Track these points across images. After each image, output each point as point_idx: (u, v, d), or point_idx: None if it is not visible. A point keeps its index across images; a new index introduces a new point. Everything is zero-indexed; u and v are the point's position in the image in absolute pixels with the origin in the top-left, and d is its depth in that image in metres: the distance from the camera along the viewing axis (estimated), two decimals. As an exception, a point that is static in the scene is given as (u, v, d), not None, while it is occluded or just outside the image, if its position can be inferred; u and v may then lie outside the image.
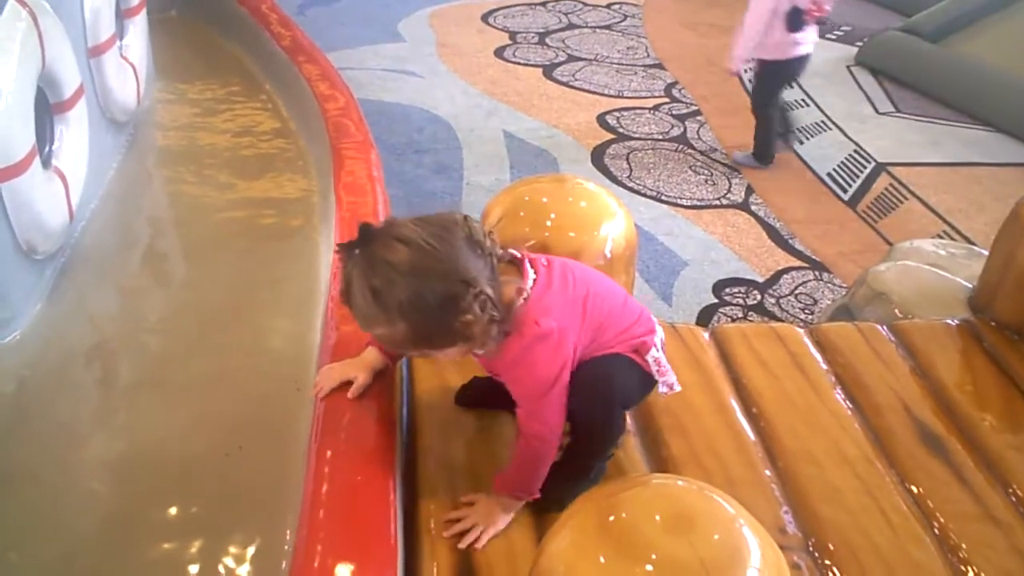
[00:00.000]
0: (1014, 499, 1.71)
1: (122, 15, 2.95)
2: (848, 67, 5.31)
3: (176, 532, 1.72)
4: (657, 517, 1.17)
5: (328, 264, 2.19)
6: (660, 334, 1.63)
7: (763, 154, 4.12)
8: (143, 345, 2.25)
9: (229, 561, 1.66)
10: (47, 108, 2.43)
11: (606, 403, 1.56)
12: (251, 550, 1.68)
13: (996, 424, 1.89)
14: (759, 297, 3.18)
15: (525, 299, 1.44)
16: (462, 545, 1.49)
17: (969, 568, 1.55)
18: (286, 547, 1.61)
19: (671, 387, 1.63)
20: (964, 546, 1.59)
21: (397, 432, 1.67)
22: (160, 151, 3.06)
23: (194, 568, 1.65)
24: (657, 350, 1.60)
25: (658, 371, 1.60)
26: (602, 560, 1.15)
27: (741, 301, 3.16)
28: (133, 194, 2.78)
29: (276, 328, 2.24)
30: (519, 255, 1.50)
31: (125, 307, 2.40)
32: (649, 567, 1.12)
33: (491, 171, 3.96)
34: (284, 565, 1.59)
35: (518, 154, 4.13)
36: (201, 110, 3.23)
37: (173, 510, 1.77)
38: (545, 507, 1.57)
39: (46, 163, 2.34)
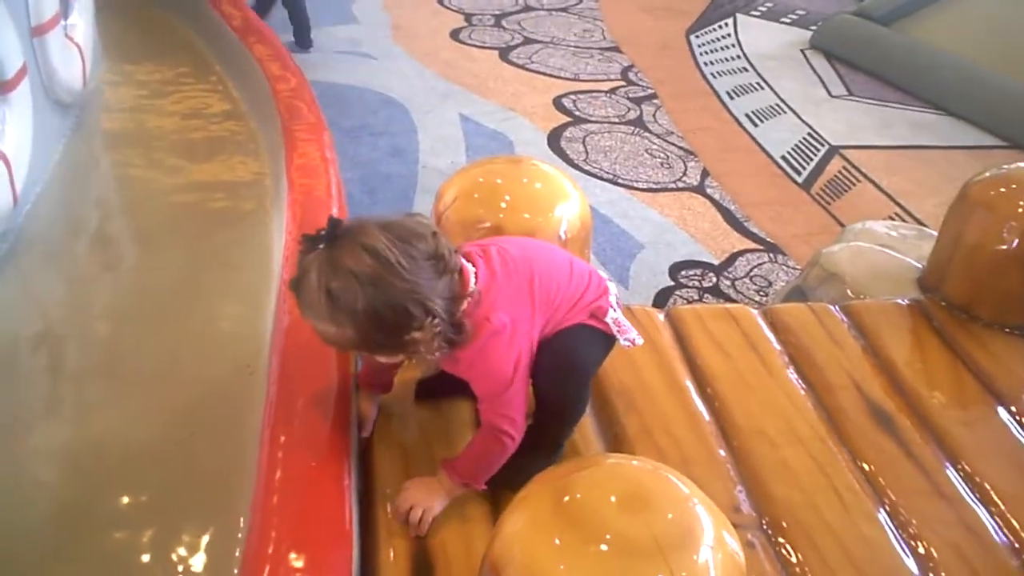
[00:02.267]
0: (962, 475, 1.74)
1: (69, -8, 2.88)
2: (802, 50, 5.36)
3: (127, 522, 1.69)
4: (612, 497, 1.18)
5: (280, 248, 2.16)
6: (613, 291, 1.63)
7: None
8: (92, 332, 2.19)
9: (182, 550, 1.63)
10: (-12, 90, 2.37)
11: (573, 376, 1.58)
12: (205, 538, 1.66)
13: (945, 401, 1.92)
14: (715, 279, 3.20)
15: (471, 297, 1.44)
16: (413, 532, 1.49)
17: (919, 543, 1.58)
18: (239, 535, 1.59)
19: (633, 342, 1.63)
20: (914, 521, 1.62)
21: (352, 419, 1.65)
22: (107, 134, 2.99)
23: (146, 557, 1.62)
24: (615, 310, 1.60)
25: (619, 330, 1.60)
26: (557, 541, 1.15)
27: (697, 283, 3.18)
28: (80, 178, 2.71)
29: (228, 313, 2.20)
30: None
31: (72, 293, 2.34)
32: (604, 547, 1.12)
33: (447, 154, 3.93)
34: (238, 552, 1.56)
35: (474, 137, 4.11)
36: (149, 92, 3.16)
37: (124, 499, 1.74)
38: (503, 485, 1.57)
39: (-13, 147, 2.28)
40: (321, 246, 1.36)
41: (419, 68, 4.81)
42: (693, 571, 1.11)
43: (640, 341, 1.64)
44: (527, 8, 5.84)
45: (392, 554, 1.47)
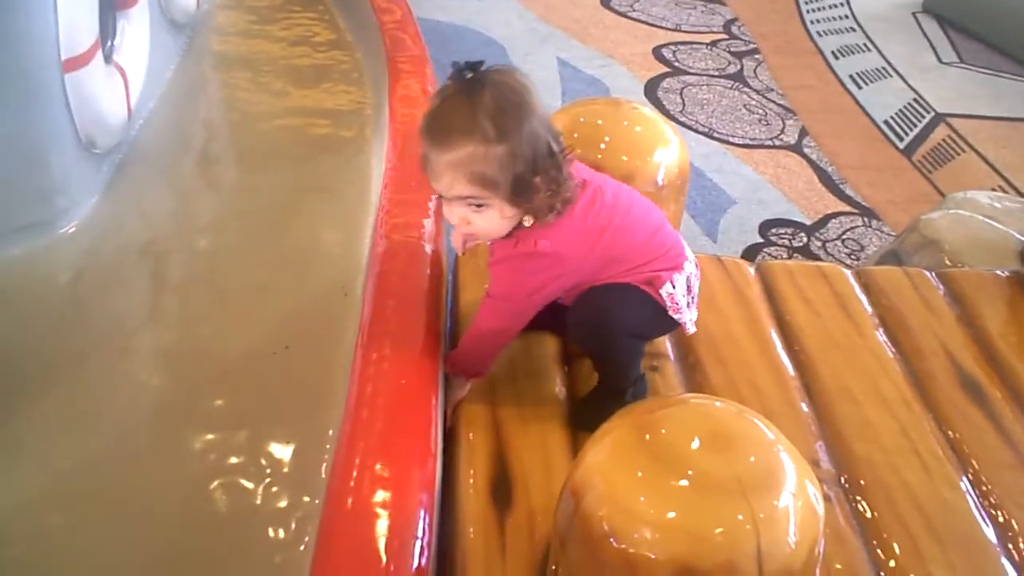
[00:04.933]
0: (1050, 450, 1.71)
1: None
2: (914, 13, 5.16)
3: (221, 424, 1.77)
4: (696, 434, 1.19)
5: (379, 175, 2.21)
6: (688, 271, 1.63)
7: None
8: (195, 245, 2.28)
9: (273, 453, 1.71)
10: (110, 4, 2.44)
11: (600, 333, 1.59)
12: (294, 445, 1.73)
13: (1038, 376, 1.88)
14: (805, 240, 3.16)
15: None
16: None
17: (1000, 512, 1.56)
18: (328, 445, 1.65)
19: (684, 326, 1.65)
20: (997, 492, 1.60)
21: (441, 340, 1.70)
22: (217, 56, 3.06)
23: (236, 459, 1.70)
24: (672, 287, 1.59)
25: (672, 307, 1.60)
26: (639, 474, 1.17)
27: (787, 243, 3.14)
28: (190, 97, 2.79)
29: (325, 235, 2.26)
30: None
31: (178, 207, 2.43)
32: (685, 482, 1.14)
33: (542, 97, 3.90)
34: (326, 462, 1.63)
35: (570, 82, 4.09)
36: (258, 17, 3.22)
37: (219, 402, 1.82)
38: (579, 425, 1.60)
39: (108, 58, 2.36)
40: (471, 75, 1.41)
41: (520, 10, 4.78)
42: (772, 514, 1.13)
43: (692, 330, 1.66)
44: (633, -45, 5.73)
45: (472, 476, 1.52)
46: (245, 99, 2.80)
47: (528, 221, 1.47)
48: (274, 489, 1.64)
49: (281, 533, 1.57)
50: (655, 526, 1.12)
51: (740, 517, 1.11)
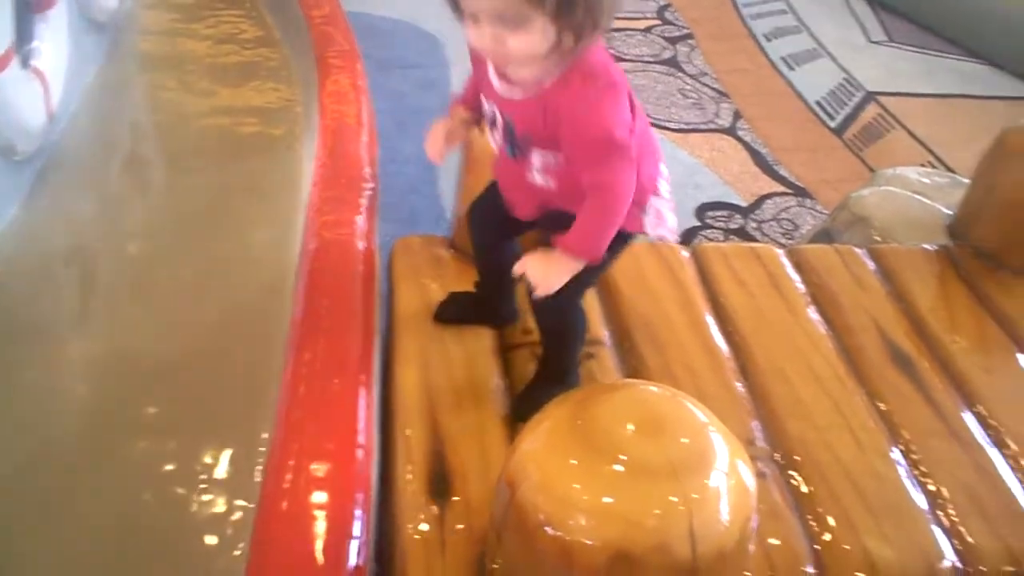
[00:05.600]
0: (978, 418, 1.74)
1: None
2: (843, -7, 5.24)
3: (154, 431, 1.74)
4: (628, 420, 1.19)
5: (309, 173, 2.18)
6: (665, 172, 1.54)
7: None
8: (123, 250, 2.24)
9: (206, 459, 1.68)
10: (27, 7, 2.38)
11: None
12: (226, 451, 1.71)
13: (966, 347, 1.92)
14: (742, 221, 3.19)
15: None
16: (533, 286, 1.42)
17: (929, 480, 1.59)
18: (261, 449, 1.63)
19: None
20: (927, 461, 1.63)
21: (376, 341, 1.68)
22: (141, 56, 3.00)
23: (170, 466, 1.67)
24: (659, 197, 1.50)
25: (657, 223, 1.51)
26: (573, 461, 1.17)
27: (723, 225, 3.17)
28: (114, 98, 2.74)
29: (257, 236, 2.23)
30: None
31: (104, 212, 2.38)
32: (619, 467, 1.14)
33: (479, 89, 3.90)
34: (259, 468, 1.61)
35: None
36: (182, 16, 3.17)
37: (151, 410, 1.79)
38: (519, 416, 1.60)
39: (25, 62, 2.30)
40: None
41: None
42: (704, 494, 1.13)
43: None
44: (564, -57, 5.74)
45: (410, 472, 1.51)
46: (171, 99, 2.75)
47: (569, 42, 1.29)
48: (208, 495, 1.62)
49: (216, 539, 1.55)
50: (589, 512, 1.12)
51: (673, 499, 1.12)
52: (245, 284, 2.06)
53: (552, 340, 1.64)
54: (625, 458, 1.15)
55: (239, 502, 1.60)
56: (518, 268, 1.43)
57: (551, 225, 1.48)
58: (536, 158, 1.43)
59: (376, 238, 1.90)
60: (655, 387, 1.32)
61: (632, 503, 1.12)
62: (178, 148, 2.57)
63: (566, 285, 1.47)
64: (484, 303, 1.82)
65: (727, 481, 1.16)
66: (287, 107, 2.70)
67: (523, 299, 1.72)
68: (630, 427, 1.19)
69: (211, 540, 1.56)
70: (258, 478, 1.54)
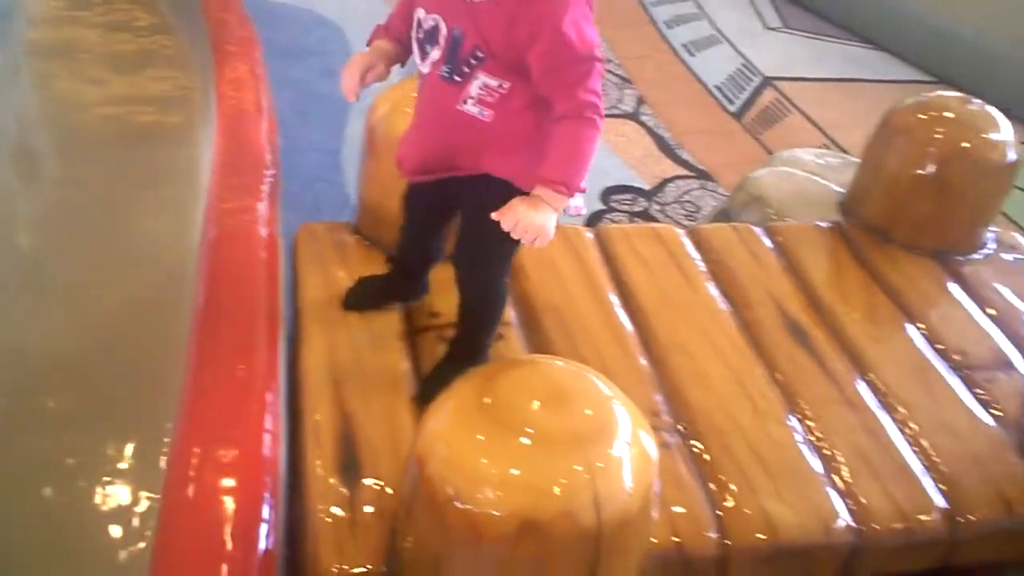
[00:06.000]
0: (870, 385, 1.83)
1: None
2: (740, -19, 5.36)
3: (53, 425, 1.69)
4: (533, 393, 1.22)
5: (209, 160, 2.14)
6: None
7: None
8: (16, 243, 2.16)
9: (108, 451, 1.64)
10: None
11: (499, 249, 1.50)
12: (130, 444, 1.67)
13: (858, 318, 2.00)
14: (645, 204, 3.25)
15: None
16: (528, 240, 1.33)
17: (824, 445, 1.66)
18: (166, 439, 1.60)
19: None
20: (821, 427, 1.70)
21: (280, 327, 1.66)
22: (31, 45, 2.89)
23: (71, 460, 1.63)
24: None
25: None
26: (480, 436, 1.19)
27: (628, 208, 3.22)
28: (3, 88, 2.63)
29: (155, 226, 2.18)
30: None
31: (-6, 205, 2.30)
32: (525, 439, 1.17)
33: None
34: (163, 458, 1.58)
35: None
36: (72, 3, 3.06)
37: (50, 404, 1.74)
38: (427, 397, 1.60)
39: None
40: None
41: (354, -12, 4.71)
42: (608, 463, 1.17)
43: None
44: (466, -69, 5.74)
45: (319, 454, 1.51)
46: (64, 88, 2.66)
47: None
48: (112, 488, 1.59)
49: (121, 531, 1.52)
50: (496, 484, 1.15)
51: (577, 468, 1.15)
52: (143, 274, 2.01)
53: (472, 318, 1.65)
54: (531, 431, 1.18)
55: (144, 493, 1.57)
56: (505, 221, 1.32)
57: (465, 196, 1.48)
58: (476, 83, 1.35)
59: (279, 225, 1.88)
60: (559, 361, 1.35)
61: (538, 473, 1.15)
62: (72, 139, 2.48)
63: (495, 257, 1.51)
64: (395, 282, 1.82)
65: (629, 450, 1.20)
66: (184, 95, 2.63)
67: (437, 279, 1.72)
68: (535, 401, 1.21)
69: (116, 532, 1.52)
70: (163, 468, 1.51)
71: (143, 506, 1.55)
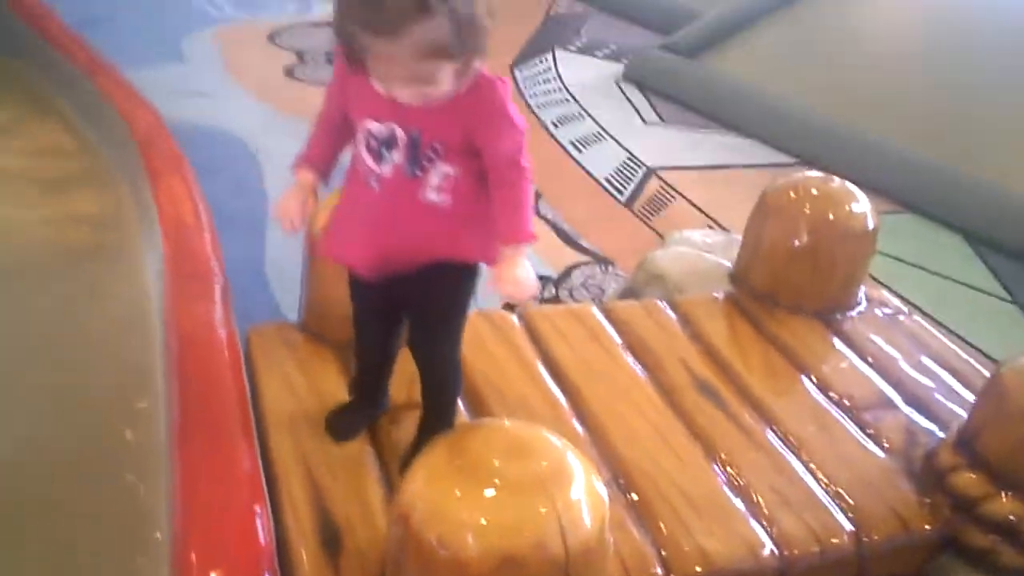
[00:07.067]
0: (775, 431, 2.07)
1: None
2: (616, 82, 5.79)
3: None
4: (496, 448, 1.41)
5: (152, 273, 2.27)
6: None
7: None
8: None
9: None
10: None
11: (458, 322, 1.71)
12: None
13: (758, 374, 2.26)
14: (555, 290, 3.49)
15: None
16: (523, 297, 1.56)
17: (743, 484, 1.89)
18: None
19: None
20: (739, 470, 1.93)
21: (252, 420, 1.79)
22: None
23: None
24: None
25: None
26: (457, 492, 1.37)
27: (539, 295, 3.45)
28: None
29: (106, 340, 2.25)
30: None
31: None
32: (495, 489, 1.35)
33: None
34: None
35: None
36: (-3, 132, 3.17)
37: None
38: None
39: None
40: None
41: (253, 104, 4.90)
42: (568, 500, 1.36)
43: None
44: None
45: (301, 530, 1.64)
46: (-3, 214, 2.75)
47: (473, 63, 1.45)
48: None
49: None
50: (476, 529, 1.33)
51: (543, 510, 1.34)
52: (102, 387, 2.09)
53: (441, 392, 1.80)
54: (498, 481, 1.37)
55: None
56: (509, 289, 1.54)
57: (411, 288, 1.64)
58: (436, 173, 1.54)
59: (235, 327, 2.02)
60: (512, 421, 1.54)
61: (510, 515, 1.34)
62: (10, 261, 2.56)
63: (454, 334, 1.70)
64: (364, 400, 1.93)
65: (585, 489, 1.40)
66: (116, 213, 2.76)
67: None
68: (500, 455, 1.40)
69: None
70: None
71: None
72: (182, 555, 1.46)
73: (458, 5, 1.36)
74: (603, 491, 1.45)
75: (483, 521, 1.33)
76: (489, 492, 1.35)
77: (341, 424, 1.88)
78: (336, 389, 1.99)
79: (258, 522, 1.53)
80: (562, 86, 5.64)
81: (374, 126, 1.54)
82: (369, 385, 1.91)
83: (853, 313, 2.53)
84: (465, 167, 1.55)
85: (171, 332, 1.96)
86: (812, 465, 1.97)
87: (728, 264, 2.76)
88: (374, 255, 1.63)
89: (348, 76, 1.53)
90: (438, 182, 1.55)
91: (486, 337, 2.25)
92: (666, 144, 4.96)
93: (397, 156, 1.53)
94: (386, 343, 1.84)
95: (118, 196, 2.82)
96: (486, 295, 3.27)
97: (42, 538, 1.75)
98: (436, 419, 1.79)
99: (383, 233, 1.60)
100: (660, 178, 4.55)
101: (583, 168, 4.61)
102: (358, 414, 1.91)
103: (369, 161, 1.57)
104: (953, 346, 2.47)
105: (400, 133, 1.52)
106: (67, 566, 1.73)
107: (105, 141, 3.09)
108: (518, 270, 1.55)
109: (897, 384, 2.27)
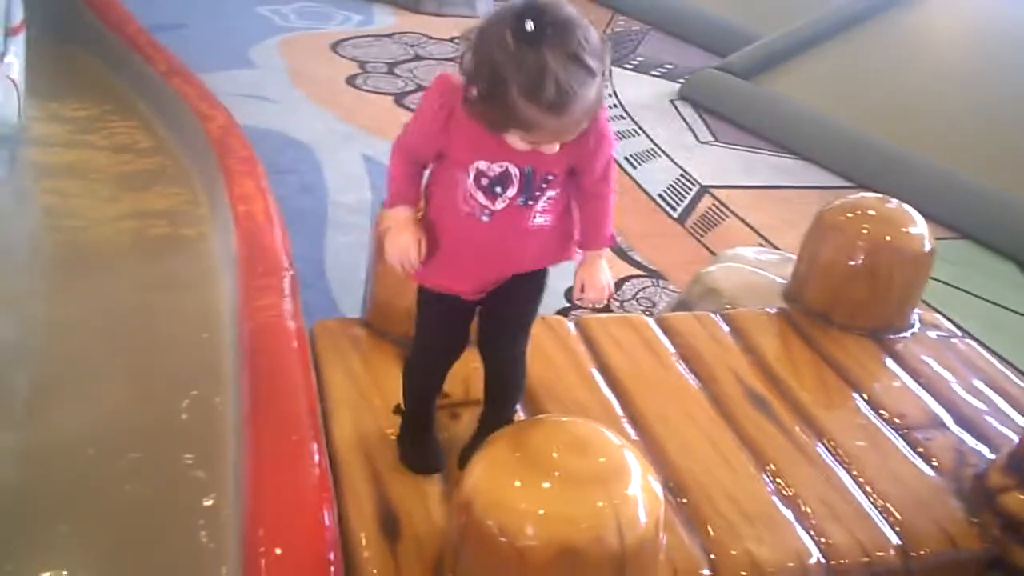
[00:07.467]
0: (825, 445, 2.10)
1: (8, 33, 3.02)
2: (671, 101, 5.84)
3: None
4: (556, 443, 1.47)
5: (226, 267, 2.36)
6: None
7: None
8: (45, 353, 2.30)
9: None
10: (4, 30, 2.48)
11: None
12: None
13: (810, 389, 2.29)
14: (606, 302, 3.54)
15: None
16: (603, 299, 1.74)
17: (792, 495, 1.92)
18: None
19: None
20: (788, 479, 1.96)
21: (318, 409, 1.87)
22: (42, 166, 3.11)
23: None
24: None
25: None
26: (517, 483, 1.43)
27: (590, 306, 3.51)
28: (19, 206, 2.84)
29: (182, 329, 2.34)
30: None
31: (18, 317, 2.44)
32: (554, 481, 1.42)
33: (353, 191, 4.18)
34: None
35: (378, 176, 4.36)
36: (77, 127, 3.30)
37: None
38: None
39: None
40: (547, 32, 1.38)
41: (317, 111, 5.03)
42: (625, 496, 1.42)
43: None
44: (417, 57, 6.16)
45: (361, 515, 1.71)
46: (78, 206, 2.87)
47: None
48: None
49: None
50: (535, 520, 1.39)
51: (600, 504, 1.40)
52: (176, 374, 2.18)
53: (506, 393, 1.86)
54: (558, 473, 1.43)
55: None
56: (587, 292, 1.73)
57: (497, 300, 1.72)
58: (543, 200, 1.60)
59: (302, 319, 2.11)
60: (572, 419, 1.60)
61: (569, 508, 1.40)
62: (92, 251, 2.67)
63: (528, 331, 1.81)
64: (427, 429, 1.92)
65: (641, 486, 1.45)
66: (191, 209, 2.87)
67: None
68: (560, 449, 1.46)
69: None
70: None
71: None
72: (250, 531, 1.54)
73: (606, 61, 1.44)
74: (659, 490, 1.50)
75: (542, 512, 1.39)
76: (548, 484, 1.41)
77: (417, 455, 1.88)
78: (397, 383, 2.05)
79: (323, 505, 1.60)
80: (618, 103, 5.70)
81: (483, 165, 1.57)
82: (428, 409, 1.90)
83: (906, 334, 2.55)
84: (563, 186, 1.63)
85: (243, 323, 2.05)
86: (861, 480, 2.00)
87: (782, 281, 2.80)
88: (481, 281, 1.69)
89: (449, 120, 1.57)
90: (544, 205, 1.62)
91: (543, 341, 2.31)
92: (720, 163, 5.00)
93: (511, 191, 1.58)
94: (461, 348, 1.85)
95: (193, 192, 2.93)
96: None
97: (115, 500, 1.88)
98: (499, 415, 1.85)
99: (491, 260, 1.66)
100: (713, 196, 4.58)
101: (637, 183, 4.67)
102: (431, 440, 1.91)
103: (480, 198, 1.59)
104: (1005, 370, 2.48)
105: (514, 170, 1.56)
106: (137, 527, 1.84)
107: (180, 140, 3.21)
108: (601, 274, 1.70)
109: (948, 405, 2.28)
